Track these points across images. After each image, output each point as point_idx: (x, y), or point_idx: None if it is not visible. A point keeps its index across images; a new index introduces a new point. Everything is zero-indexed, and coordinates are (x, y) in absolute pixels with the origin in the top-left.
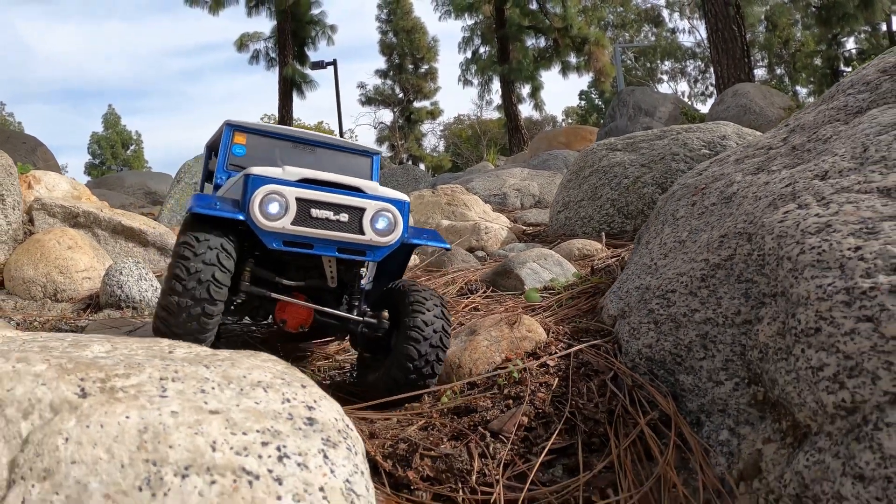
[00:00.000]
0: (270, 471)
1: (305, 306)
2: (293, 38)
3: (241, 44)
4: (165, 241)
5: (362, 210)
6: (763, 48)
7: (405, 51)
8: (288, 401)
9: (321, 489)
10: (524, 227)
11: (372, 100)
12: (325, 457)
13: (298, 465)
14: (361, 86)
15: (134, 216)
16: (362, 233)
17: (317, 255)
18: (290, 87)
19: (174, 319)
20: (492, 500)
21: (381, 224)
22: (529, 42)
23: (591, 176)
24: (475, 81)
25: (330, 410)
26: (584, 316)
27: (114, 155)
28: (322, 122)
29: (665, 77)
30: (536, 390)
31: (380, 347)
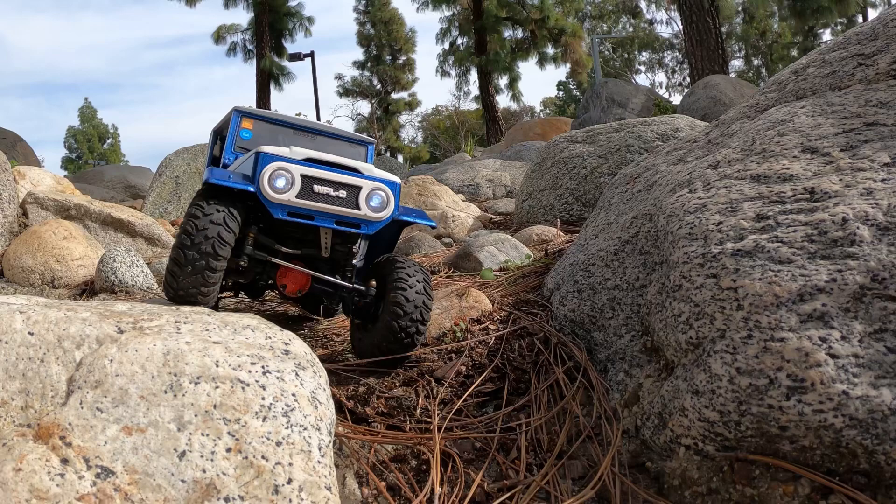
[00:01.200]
0: (257, 381)
1: (304, 272)
2: (271, 30)
3: (219, 36)
4: (152, 232)
5: (359, 188)
6: (740, 39)
7: (383, 42)
8: (269, 338)
9: (293, 395)
10: (492, 216)
11: (350, 91)
12: (297, 375)
13: (277, 378)
14: (339, 77)
15: (122, 208)
16: (358, 208)
17: (316, 226)
18: (267, 79)
19: (181, 272)
20: (432, 426)
21: (374, 201)
22: (507, 33)
23: (552, 167)
24: (453, 72)
25: (301, 347)
26: (530, 291)
27: (90, 149)
28: (300, 114)
29: (642, 68)
30: (475, 347)
31: (368, 315)
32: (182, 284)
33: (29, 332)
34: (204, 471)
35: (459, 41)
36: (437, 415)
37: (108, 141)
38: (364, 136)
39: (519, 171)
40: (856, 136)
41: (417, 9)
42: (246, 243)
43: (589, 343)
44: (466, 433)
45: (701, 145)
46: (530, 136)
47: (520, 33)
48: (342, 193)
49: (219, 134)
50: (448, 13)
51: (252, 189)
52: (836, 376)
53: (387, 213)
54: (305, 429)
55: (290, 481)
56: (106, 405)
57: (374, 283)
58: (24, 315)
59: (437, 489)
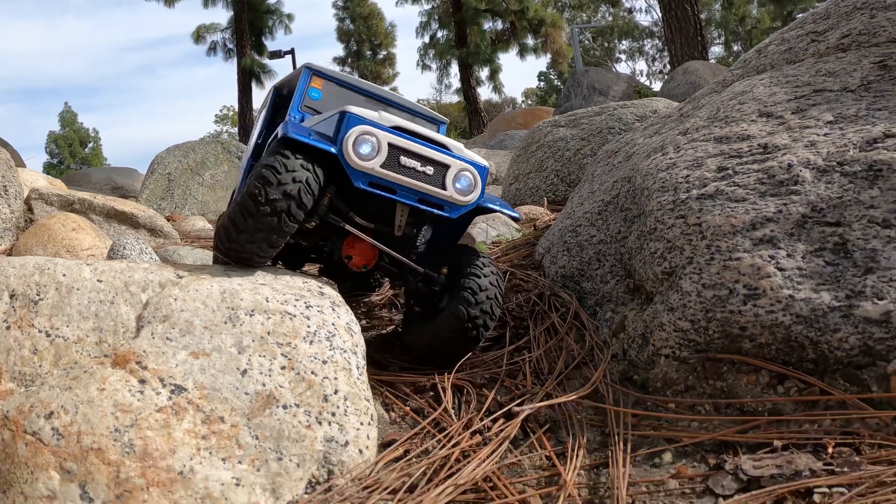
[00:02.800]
0: (302, 313)
1: (374, 245)
2: (250, 28)
3: (198, 36)
4: (154, 223)
5: (447, 167)
6: (719, 26)
7: (363, 37)
8: (306, 282)
9: (332, 324)
10: None
11: None
12: (333, 310)
13: (318, 311)
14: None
15: (125, 202)
16: (444, 188)
17: (392, 201)
18: (248, 77)
19: (245, 225)
20: (445, 375)
21: (462, 183)
22: (486, 25)
23: (537, 150)
24: (434, 66)
25: (332, 290)
26: (523, 259)
27: (72, 153)
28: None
29: (623, 56)
30: None
31: (430, 304)
32: (242, 240)
33: (98, 280)
34: (263, 385)
35: (439, 34)
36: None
37: (90, 145)
38: (438, 114)
39: (503, 159)
40: (805, 101)
41: (396, 3)
42: (322, 203)
43: (579, 293)
44: (475, 370)
45: (674, 119)
46: (513, 126)
47: (500, 25)
48: (429, 170)
49: (279, 91)
50: (427, 6)
51: (334, 151)
52: (784, 284)
53: (473, 198)
54: (345, 351)
55: (336, 392)
56: (174, 335)
57: (445, 269)
58: (92, 266)
59: (451, 407)
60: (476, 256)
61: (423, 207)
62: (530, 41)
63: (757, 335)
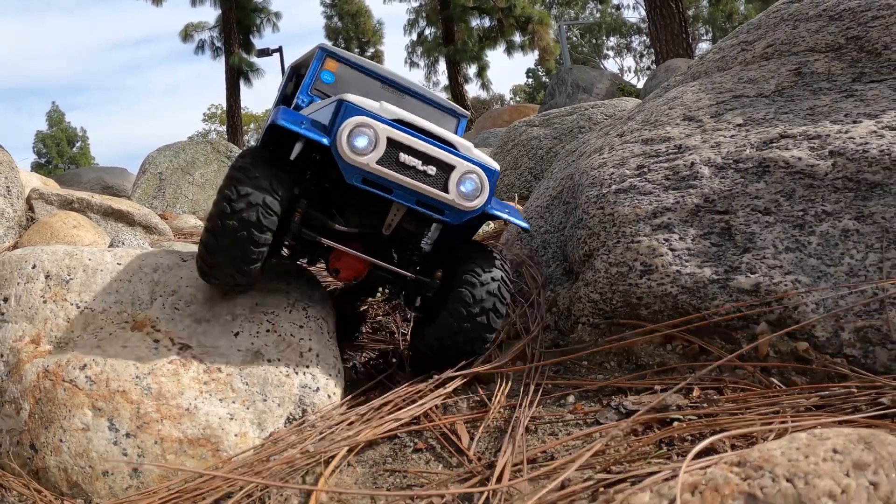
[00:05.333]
0: (284, 289)
1: (361, 258)
2: (238, 27)
3: (186, 34)
4: (149, 220)
5: (452, 167)
6: (707, 22)
7: (350, 35)
8: (290, 264)
9: (309, 296)
10: None
11: None
12: (310, 286)
13: (297, 287)
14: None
15: (121, 200)
16: (446, 191)
17: (387, 200)
18: (236, 75)
19: (216, 244)
20: (401, 337)
21: (467, 187)
22: (474, 22)
23: (513, 149)
24: (421, 63)
25: (309, 272)
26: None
27: (60, 153)
28: (269, 110)
29: (611, 53)
30: None
31: (433, 308)
32: (217, 266)
33: (118, 263)
34: (252, 343)
35: (427, 32)
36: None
37: (77, 144)
38: (458, 106)
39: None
40: (724, 106)
41: (384, 1)
42: (293, 220)
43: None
44: None
45: (622, 120)
46: (499, 123)
47: (487, 22)
48: (431, 169)
49: (296, 71)
50: (415, 4)
51: (326, 142)
52: (673, 262)
53: (478, 203)
54: (319, 319)
55: (310, 350)
56: (181, 305)
57: (440, 273)
58: (112, 252)
59: (407, 367)
60: (478, 258)
61: (422, 210)
62: (518, 38)
63: (651, 303)
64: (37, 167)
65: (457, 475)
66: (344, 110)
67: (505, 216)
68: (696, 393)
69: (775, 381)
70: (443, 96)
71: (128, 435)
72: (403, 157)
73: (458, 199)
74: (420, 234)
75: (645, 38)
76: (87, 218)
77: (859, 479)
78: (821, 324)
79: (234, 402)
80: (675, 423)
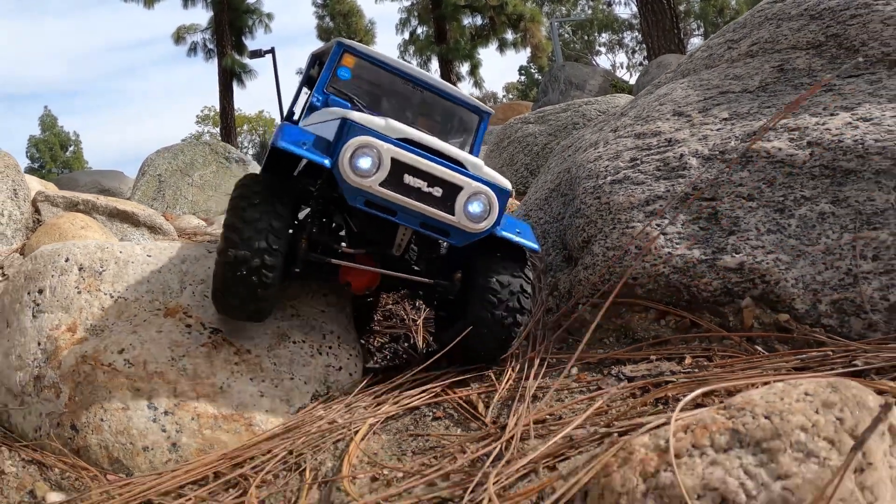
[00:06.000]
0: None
1: (371, 271)
2: (231, 28)
3: (178, 36)
4: (154, 221)
5: (459, 188)
6: (698, 17)
7: (342, 35)
8: None
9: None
10: None
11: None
12: None
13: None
14: (301, 72)
15: (125, 202)
16: (452, 213)
17: (394, 223)
18: (229, 77)
19: (227, 289)
20: (417, 324)
21: (474, 208)
22: (466, 21)
23: (508, 146)
24: (414, 62)
25: None
26: None
27: (53, 157)
28: (263, 111)
29: (603, 49)
30: None
31: (456, 306)
32: (231, 304)
33: (147, 255)
34: (278, 327)
35: (419, 31)
36: (419, 318)
37: (70, 149)
38: (481, 103)
39: (480, 154)
40: (711, 102)
41: (376, 0)
42: (299, 247)
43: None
44: None
45: (616, 116)
46: (493, 120)
47: (479, 20)
48: (437, 191)
49: (316, 60)
50: (407, 3)
51: (328, 165)
52: (665, 244)
53: (485, 226)
54: (337, 305)
55: (332, 332)
56: (210, 293)
57: (459, 275)
58: (141, 245)
59: (420, 344)
60: (498, 258)
61: (426, 233)
62: (510, 36)
63: (646, 283)
64: (30, 172)
65: (474, 436)
66: (348, 130)
67: (514, 238)
68: (688, 361)
69: (759, 348)
70: (465, 92)
71: (166, 413)
72: (408, 178)
73: (464, 220)
74: (435, 245)
75: (637, 34)
76: (94, 219)
77: (827, 416)
78: (800, 297)
79: (263, 381)
80: (669, 385)
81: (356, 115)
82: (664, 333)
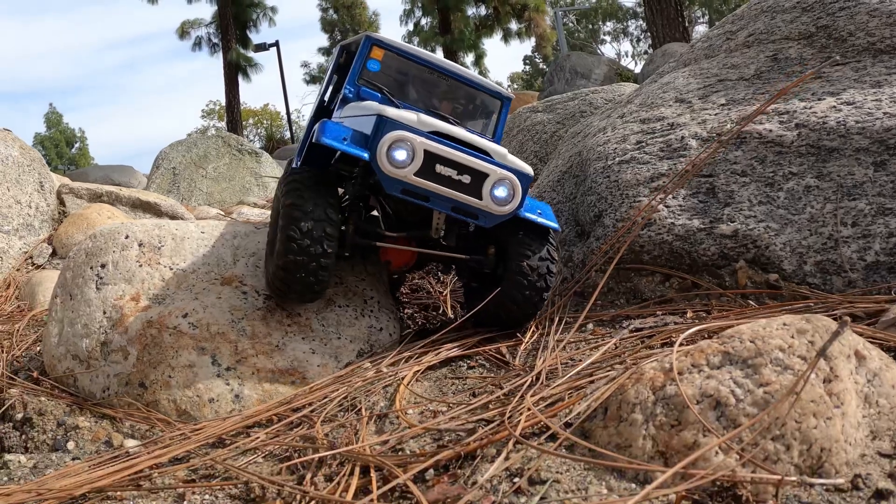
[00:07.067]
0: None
1: (409, 250)
2: (235, 22)
3: (183, 31)
4: (176, 211)
5: (485, 175)
6: (703, 5)
7: (347, 27)
8: None
9: (368, 257)
10: None
11: (317, 78)
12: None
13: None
14: (305, 65)
15: (147, 193)
16: (480, 198)
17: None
18: (234, 71)
19: (291, 278)
20: (443, 296)
21: (500, 192)
22: (470, 11)
23: (518, 135)
24: None
25: None
26: None
27: (59, 154)
28: (268, 105)
29: (607, 38)
30: None
31: (486, 278)
32: (293, 290)
33: (201, 232)
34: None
35: (423, 22)
36: (447, 289)
37: (76, 145)
38: (503, 89)
39: None
40: (710, 89)
41: None
42: (347, 233)
43: None
44: None
45: (621, 104)
46: None
47: (483, 10)
48: (466, 178)
49: (346, 49)
50: None
51: (367, 157)
52: (668, 216)
53: (510, 208)
54: (375, 273)
55: (372, 297)
56: (261, 264)
57: (492, 250)
58: (195, 224)
59: (450, 313)
60: (528, 232)
61: (456, 216)
62: (514, 26)
63: (652, 250)
64: None
65: (507, 376)
66: (383, 126)
67: (536, 219)
68: (689, 314)
69: (752, 303)
70: (490, 81)
71: (228, 368)
72: (439, 167)
73: (491, 204)
74: (465, 222)
75: (641, 22)
76: (118, 209)
77: (801, 339)
78: (787, 259)
79: (314, 340)
80: (673, 333)
81: (391, 112)
82: (668, 293)
